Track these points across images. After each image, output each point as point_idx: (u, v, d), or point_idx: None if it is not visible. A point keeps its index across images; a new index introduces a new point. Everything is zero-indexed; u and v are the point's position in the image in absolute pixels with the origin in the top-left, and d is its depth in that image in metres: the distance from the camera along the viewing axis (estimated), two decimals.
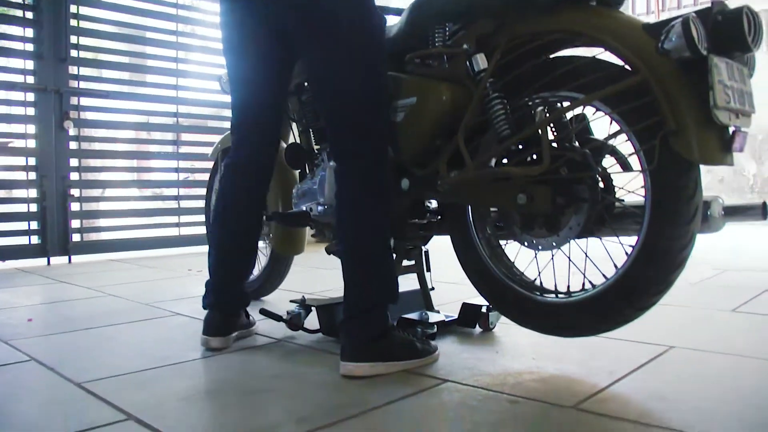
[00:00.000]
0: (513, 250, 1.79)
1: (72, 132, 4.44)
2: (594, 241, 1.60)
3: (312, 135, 2.23)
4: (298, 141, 2.31)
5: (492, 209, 1.78)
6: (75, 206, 4.47)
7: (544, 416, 1.29)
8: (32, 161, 4.30)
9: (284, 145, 2.28)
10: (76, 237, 4.48)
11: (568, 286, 1.62)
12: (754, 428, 1.19)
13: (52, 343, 2.01)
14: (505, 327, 1.97)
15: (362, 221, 1.65)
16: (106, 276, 3.62)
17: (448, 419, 1.28)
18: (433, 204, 1.99)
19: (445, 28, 1.72)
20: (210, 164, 3.01)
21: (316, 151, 2.22)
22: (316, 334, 1.97)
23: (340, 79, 1.65)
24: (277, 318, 1.95)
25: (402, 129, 1.74)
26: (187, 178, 5.17)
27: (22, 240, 4.30)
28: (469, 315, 2.00)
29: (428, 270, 2.08)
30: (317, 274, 3.46)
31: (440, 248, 1.91)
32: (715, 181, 6.55)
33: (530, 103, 1.61)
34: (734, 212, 1.47)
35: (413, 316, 1.98)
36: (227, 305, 1.92)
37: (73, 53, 4.45)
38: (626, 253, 1.47)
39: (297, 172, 2.41)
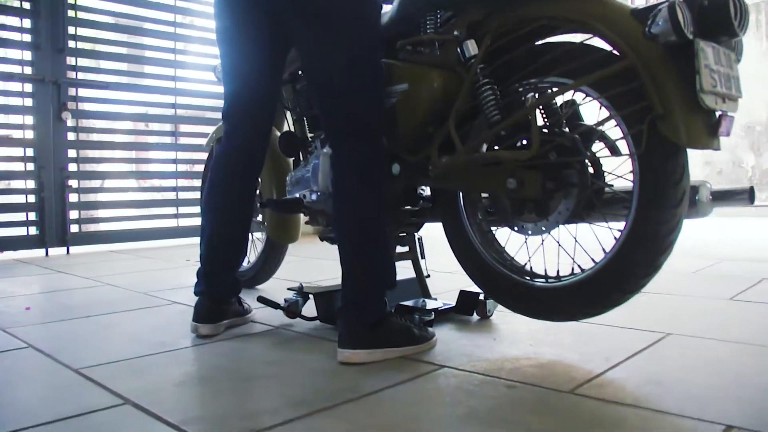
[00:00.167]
0: (504, 236, 1.79)
1: (70, 123, 4.44)
2: (585, 226, 1.61)
3: (306, 123, 2.24)
4: (292, 129, 2.32)
5: (483, 195, 1.79)
6: (73, 197, 4.47)
7: (541, 401, 1.29)
8: (30, 152, 4.30)
9: (278, 134, 2.28)
10: (74, 228, 4.48)
11: (558, 271, 1.63)
12: (750, 412, 1.19)
13: (50, 330, 2.01)
14: (502, 314, 1.98)
15: (359, 207, 1.65)
16: (105, 266, 3.62)
17: (445, 404, 1.28)
18: (426, 191, 1.99)
19: (437, 15, 1.73)
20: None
21: (309, 139, 2.22)
22: (313, 322, 1.97)
23: (334, 66, 1.65)
24: (275, 305, 1.95)
25: (394, 115, 1.75)
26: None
27: (21, 231, 4.30)
28: (467, 302, 2.00)
29: (423, 257, 2.09)
30: (315, 264, 3.47)
31: (436, 236, 1.91)
32: (713, 173, 6.55)
33: (520, 89, 1.62)
34: (722, 197, 1.48)
35: (411, 303, 1.99)
36: (218, 293, 1.92)
37: (71, 44, 4.43)
38: (615, 238, 1.48)
39: (291, 160, 2.42)
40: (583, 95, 1.53)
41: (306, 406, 1.27)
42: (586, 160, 1.53)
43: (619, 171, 1.51)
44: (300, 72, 2.14)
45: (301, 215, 2.36)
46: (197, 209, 4.72)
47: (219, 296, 1.93)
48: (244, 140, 1.87)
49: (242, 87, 1.85)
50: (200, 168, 4.76)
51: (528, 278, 1.68)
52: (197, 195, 4.74)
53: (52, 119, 4.32)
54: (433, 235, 2.06)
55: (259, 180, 2.13)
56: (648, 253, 1.42)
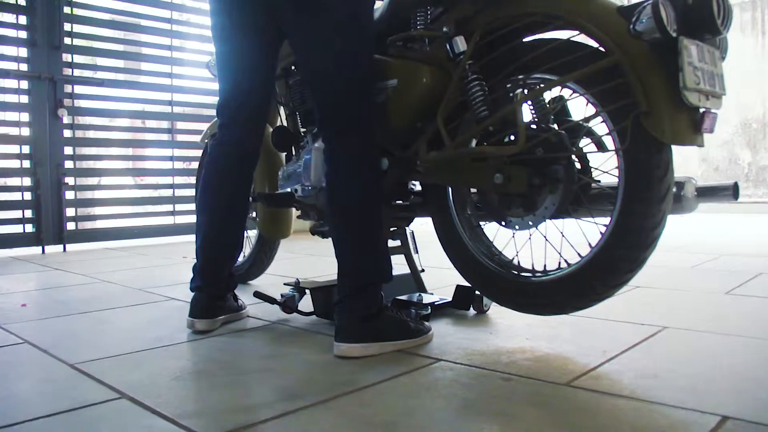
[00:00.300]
0: (492, 230, 1.81)
1: (66, 120, 4.42)
2: (573, 221, 1.63)
3: (299, 118, 2.24)
4: (285, 124, 2.32)
5: (472, 190, 1.80)
6: (69, 194, 4.46)
7: (537, 393, 1.29)
8: (26, 149, 4.28)
9: (271, 129, 2.28)
10: (70, 225, 4.47)
11: (545, 265, 1.64)
12: (745, 403, 1.19)
13: (46, 326, 2.01)
14: (499, 309, 1.97)
15: (353, 201, 1.65)
16: (101, 263, 3.62)
17: (441, 397, 1.28)
18: (417, 186, 2.00)
19: (427, 11, 1.75)
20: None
21: (302, 134, 2.22)
22: (310, 317, 1.97)
23: (328, 59, 1.65)
24: (272, 301, 1.95)
25: (383, 110, 1.76)
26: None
27: (17, 228, 4.29)
28: (463, 297, 2.00)
29: (416, 251, 2.09)
30: (311, 260, 3.47)
31: (429, 232, 1.91)
32: (710, 170, 6.56)
33: (507, 85, 1.64)
34: (707, 193, 1.49)
35: (407, 297, 1.99)
36: (214, 288, 1.92)
37: (67, 41, 4.42)
38: (600, 233, 1.50)
39: (283, 154, 2.42)
40: (571, 91, 1.55)
41: (302, 399, 1.27)
42: (573, 156, 1.54)
43: (606, 167, 1.53)
44: (293, 67, 2.15)
45: (293, 211, 2.36)
46: (194, 206, 4.70)
47: (215, 292, 1.92)
48: (239, 135, 1.87)
49: (236, 82, 1.85)
50: (197, 165, 4.76)
51: (515, 272, 1.70)
52: (194, 192, 4.74)
53: (48, 116, 4.30)
54: (426, 230, 2.06)
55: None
56: (632, 248, 1.44)
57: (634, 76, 1.35)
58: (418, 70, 1.72)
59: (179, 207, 5.01)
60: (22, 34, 4.25)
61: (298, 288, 2.00)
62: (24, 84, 4.23)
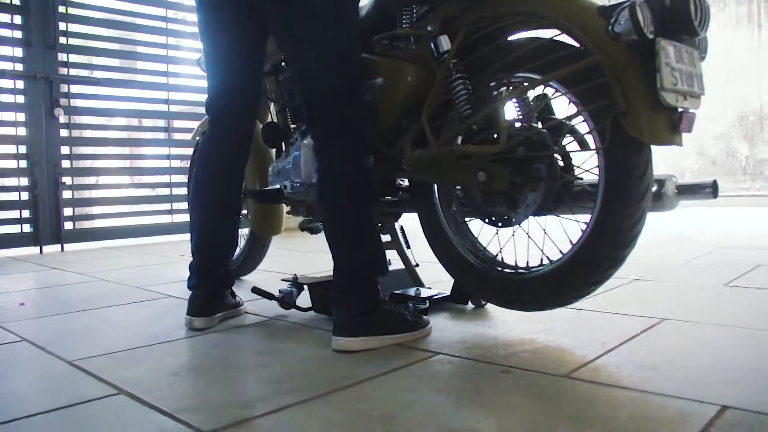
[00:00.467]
0: (478, 226, 1.82)
1: (62, 119, 4.41)
2: (558, 218, 1.65)
3: (288, 114, 2.24)
4: (275, 120, 2.32)
5: (457, 187, 1.81)
6: (67, 194, 4.45)
7: (536, 385, 1.29)
8: (23, 149, 4.27)
9: (261, 125, 2.28)
10: (68, 225, 4.46)
11: (527, 262, 1.66)
12: (744, 393, 1.19)
13: (44, 324, 2.00)
14: None
15: (342, 200, 1.66)
16: (99, 262, 3.61)
17: (439, 389, 1.28)
18: (405, 182, 2.01)
19: (413, 10, 1.76)
20: None
21: (292, 130, 2.23)
22: (308, 313, 1.97)
23: (314, 59, 1.66)
24: (269, 296, 1.94)
25: (368, 110, 1.76)
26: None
27: (14, 228, 4.28)
28: (462, 292, 2.00)
29: (408, 247, 2.09)
30: (309, 257, 3.46)
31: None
32: (707, 163, 6.57)
33: (491, 84, 1.66)
34: (687, 191, 1.51)
35: (405, 291, 1.99)
36: (211, 286, 1.91)
37: (62, 40, 4.41)
38: (581, 230, 1.51)
39: (273, 150, 2.42)
40: (553, 90, 1.56)
41: (300, 393, 1.27)
42: (556, 154, 1.56)
43: (588, 165, 1.55)
44: (283, 63, 2.15)
45: (284, 207, 2.37)
46: None
47: (212, 289, 1.92)
48: (229, 130, 1.87)
49: (224, 77, 1.86)
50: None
51: (499, 269, 1.72)
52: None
53: (44, 116, 4.30)
54: (417, 225, 2.06)
55: None
56: (612, 246, 1.46)
57: (612, 77, 1.37)
58: (403, 68, 1.73)
59: (176, 206, 5.00)
60: (17, 34, 4.24)
61: (296, 284, 2.00)
62: (20, 84, 4.23)
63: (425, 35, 1.68)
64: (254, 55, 1.84)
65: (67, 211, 4.46)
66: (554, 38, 1.52)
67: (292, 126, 2.23)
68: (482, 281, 1.74)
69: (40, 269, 3.42)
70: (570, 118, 1.53)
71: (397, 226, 2.07)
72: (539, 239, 1.65)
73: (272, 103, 2.39)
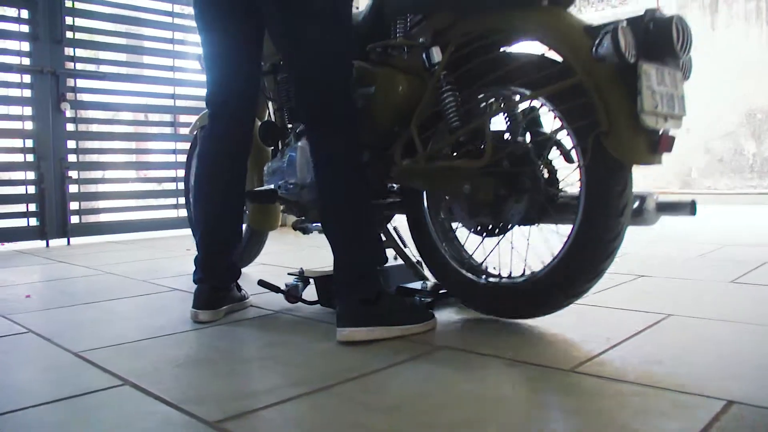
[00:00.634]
0: (464, 234, 1.86)
1: (69, 114, 4.42)
2: (544, 229, 1.68)
3: (286, 113, 2.25)
4: (273, 119, 2.33)
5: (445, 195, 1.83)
6: (73, 188, 4.45)
7: (542, 378, 1.29)
8: (30, 143, 4.28)
9: (259, 123, 2.29)
10: (74, 219, 4.47)
11: (510, 271, 1.69)
12: (750, 388, 1.19)
13: (50, 316, 2.01)
14: None
15: (340, 199, 1.67)
16: (105, 256, 3.62)
17: (444, 383, 1.28)
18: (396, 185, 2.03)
19: (407, 19, 1.77)
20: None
21: (288, 130, 2.23)
22: (313, 307, 1.97)
23: (311, 60, 1.66)
24: (276, 289, 1.95)
25: (361, 116, 1.78)
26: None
27: (21, 222, 4.29)
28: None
29: (405, 246, 2.09)
30: (314, 251, 3.46)
31: None
32: (714, 161, 6.54)
33: (480, 96, 1.69)
34: (666, 208, 1.53)
35: (411, 285, 1.99)
36: (216, 279, 1.92)
37: (69, 34, 4.41)
38: (562, 243, 1.54)
39: (270, 149, 2.43)
40: (540, 105, 1.60)
41: (305, 385, 1.27)
42: (541, 167, 1.59)
43: (573, 178, 1.58)
44: (282, 62, 2.15)
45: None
46: None
47: (218, 283, 1.92)
48: (227, 126, 1.88)
49: (221, 73, 1.87)
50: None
51: (483, 276, 1.75)
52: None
53: (51, 110, 4.30)
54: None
55: None
56: (590, 259, 1.49)
57: (596, 97, 1.39)
58: (395, 78, 1.76)
59: (182, 200, 4.99)
60: (24, 29, 4.24)
61: (302, 277, 2.00)
62: (27, 78, 4.22)
63: (418, 46, 1.71)
64: (251, 54, 1.86)
65: (74, 205, 4.47)
66: (544, 54, 1.54)
67: (289, 125, 2.24)
68: (466, 288, 1.78)
69: (47, 262, 3.43)
70: (556, 132, 1.56)
71: (390, 227, 2.08)
72: (524, 250, 1.68)
73: (270, 102, 2.40)
